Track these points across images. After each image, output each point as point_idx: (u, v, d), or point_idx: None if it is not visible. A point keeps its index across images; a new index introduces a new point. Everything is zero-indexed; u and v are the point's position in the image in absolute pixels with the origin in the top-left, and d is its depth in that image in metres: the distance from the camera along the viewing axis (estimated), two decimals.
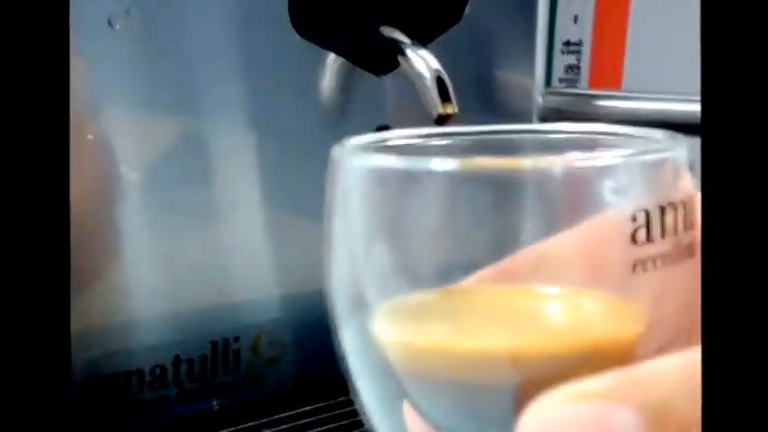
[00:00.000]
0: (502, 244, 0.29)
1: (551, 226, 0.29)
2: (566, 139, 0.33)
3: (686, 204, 0.30)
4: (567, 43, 0.74)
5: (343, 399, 0.59)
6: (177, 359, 0.57)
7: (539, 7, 0.65)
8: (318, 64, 0.58)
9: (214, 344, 0.58)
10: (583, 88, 0.76)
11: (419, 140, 0.33)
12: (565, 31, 0.73)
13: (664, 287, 0.29)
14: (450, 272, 0.29)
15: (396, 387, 0.30)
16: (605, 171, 0.29)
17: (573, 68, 0.75)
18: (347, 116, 0.59)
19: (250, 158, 0.58)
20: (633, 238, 0.29)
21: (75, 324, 0.34)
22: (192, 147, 0.56)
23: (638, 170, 0.29)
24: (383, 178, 0.29)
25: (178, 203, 0.56)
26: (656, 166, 0.29)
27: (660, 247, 0.29)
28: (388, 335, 0.29)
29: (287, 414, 0.58)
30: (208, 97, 0.56)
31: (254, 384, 0.59)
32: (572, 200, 0.29)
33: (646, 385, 0.26)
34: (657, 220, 0.29)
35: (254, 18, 0.56)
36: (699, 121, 0.31)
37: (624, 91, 0.74)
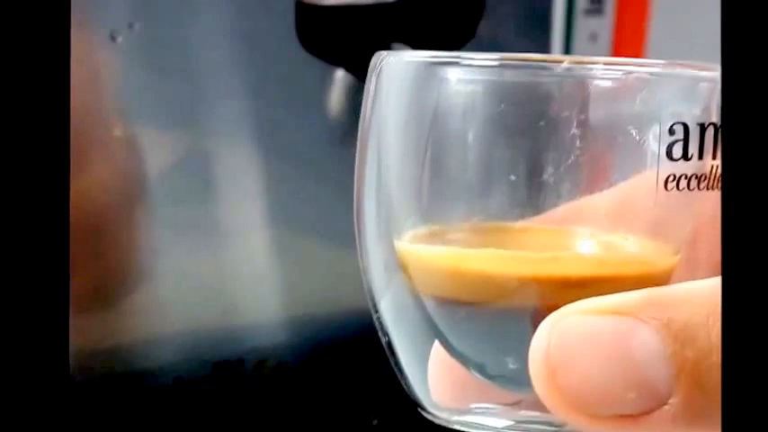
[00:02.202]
0: (537, 153, 0.28)
1: (587, 135, 0.28)
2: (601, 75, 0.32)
3: None
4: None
5: (349, 424, 0.59)
6: (179, 381, 0.56)
7: (554, 27, 0.65)
8: (326, 80, 0.58)
9: (217, 366, 0.57)
10: None
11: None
12: (581, 53, 0.73)
13: (699, 215, 0.29)
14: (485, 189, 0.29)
15: (423, 319, 0.30)
16: (644, 81, 0.28)
17: None
18: (355, 134, 0.58)
19: (255, 176, 0.57)
20: (669, 153, 0.28)
21: (75, 346, 0.34)
22: (195, 164, 0.55)
23: (678, 82, 0.29)
24: (425, 71, 0.29)
25: (180, 222, 0.55)
26: (698, 81, 0.29)
27: (696, 166, 0.28)
28: (414, 252, 0.29)
29: None
30: (212, 114, 0.55)
31: (259, 409, 0.59)
32: (611, 108, 0.28)
33: (670, 306, 0.26)
34: (696, 137, 0.28)
35: (261, 33, 0.56)
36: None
37: None
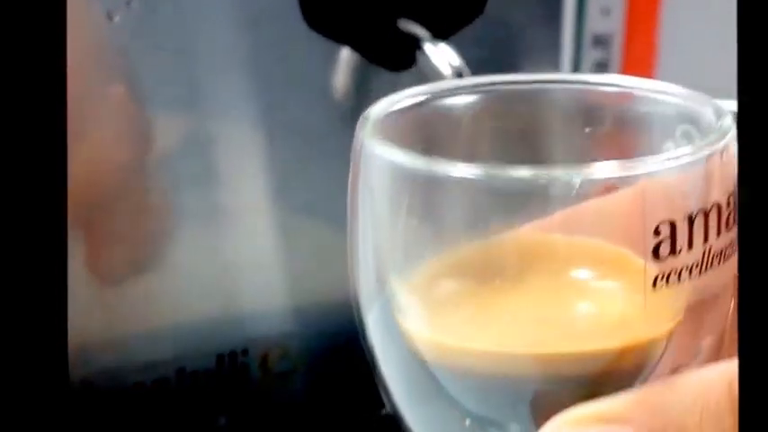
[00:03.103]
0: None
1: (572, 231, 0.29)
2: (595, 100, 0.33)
3: (731, 198, 0.29)
4: (597, 37, 0.73)
5: (356, 416, 0.59)
6: (182, 372, 0.56)
7: (565, 2, 0.64)
8: (331, 59, 0.57)
9: (221, 357, 0.57)
10: None
11: (445, 98, 0.33)
12: (594, 24, 0.73)
13: (695, 295, 0.28)
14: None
15: (423, 373, 0.30)
16: (628, 182, 0.28)
17: (602, 65, 0.74)
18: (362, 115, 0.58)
19: (258, 159, 0.56)
20: (656, 254, 0.28)
21: (75, 336, 0.34)
22: (195, 147, 0.55)
23: (662, 184, 0.28)
24: (406, 175, 0.29)
25: (181, 206, 0.55)
26: (689, 168, 0.28)
27: (686, 257, 0.28)
28: (414, 329, 0.30)
29: None
30: (213, 95, 0.55)
31: (263, 400, 0.58)
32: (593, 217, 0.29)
33: (661, 408, 0.26)
34: (684, 230, 0.28)
35: (263, 10, 0.55)
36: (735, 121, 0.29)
37: None
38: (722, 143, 0.29)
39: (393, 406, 0.32)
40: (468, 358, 0.29)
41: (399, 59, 0.57)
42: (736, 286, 0.28)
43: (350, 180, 0.31)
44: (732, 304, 0.29)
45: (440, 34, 0.56)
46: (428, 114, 0.33)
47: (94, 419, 0.54)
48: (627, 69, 0.75)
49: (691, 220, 0.28)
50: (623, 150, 0.33)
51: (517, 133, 0.33)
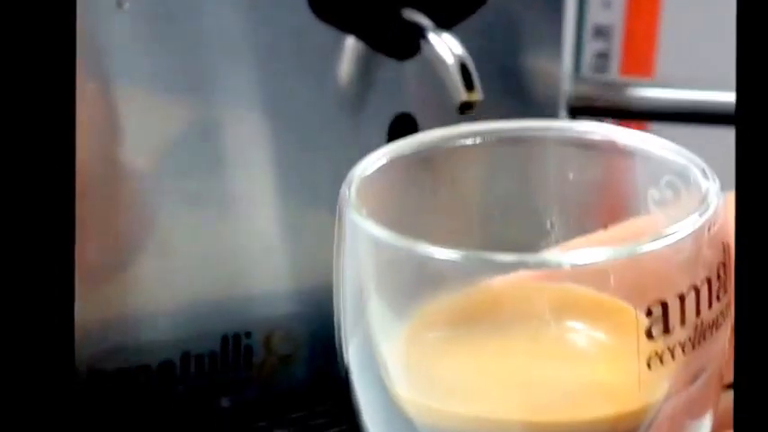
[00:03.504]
0: None
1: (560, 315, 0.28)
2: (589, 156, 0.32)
3: (721, 268, 0.28)
4: (597, 28, 0.73)
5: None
6: (186, 355, 0.56)
7: None
8: (337, 48, 0.57)
9: (225, 339, 0.57)
10: (613, 76, 0.75)
11: (436, 150, 0.32)
12: (595, 15, 0.73)
13: (689, 366, 0.28)
14: None
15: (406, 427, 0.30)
16: (616, 266, 0.27)
17: (603, 55, 0.74)
18: (366, 103, 0.58)
19: (264, 146, 0.56)
20: (649, 335, 0.27)
21: (80, 319, 0.34)
22: (203, 134, 0.55)
23: (652, 264, 0.28)
24: (386, 251, 0.29)
25: (188, 193, 0.55)
26: (678, 247, 0.28)
27: (680, 334, 0.28)
28: (398, 389, 0.29)
29: (300, 413, 0.58)
30: (221, 83, 0.55)
31: (267, 382, 0.58)
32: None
33: None
34: (677, 308, 0.27)
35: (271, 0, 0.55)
36: (733, 112, 0.28)
37: (656, 79, 0.74)
38: (709, 215, 0.28)
39: None
40: (454, 422, 0.29)
41: (404, 48, 0.57)
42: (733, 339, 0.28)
43: (335, 235, 0.31)
44: (726, 366, 0.29)
45: (443, 24, 0.56)
46: (413, 166, 0.32)
47: (99, 401, 0.54)
48: (627, 60, 0.74)
49: (682, 298, 0.28)
50: (608, 197, 0.32)
51: (505, 180, 0.33)
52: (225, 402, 0.57)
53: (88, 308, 0.52)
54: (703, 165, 0.30)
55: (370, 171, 0.31)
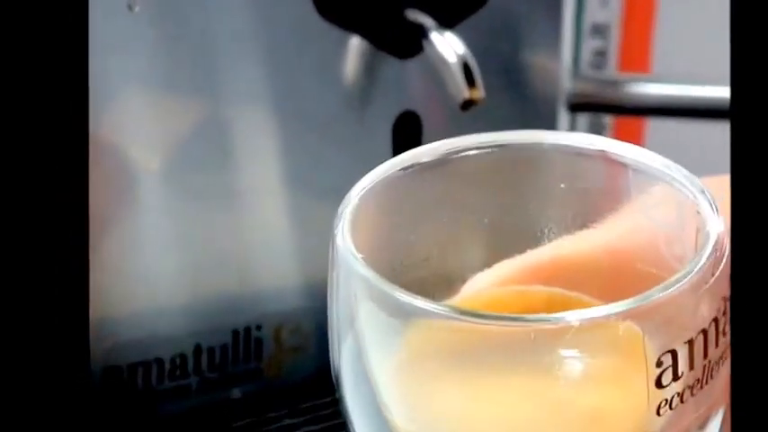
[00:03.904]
0: None
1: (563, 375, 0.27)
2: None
3: (726, 302, 0.27)
4: (595, 27, 0.74)
5: None
6: (198, 348, 0.57)
7: None
8: (341, 47, 0.57)
9: (235, 332, 0.57)
10: (611, 73, 0.75)
11: (425, 172, 0.32)
12: (593, 14, 0.73)
13: (698, 406, 0.28)
14: None
15: None
16: (622, 317, 0.26)
17: (600, 53, 0.74)
18: (371, 101, 0.58)
19: (271, 143, 0.57)
20: (659, 383, 0.26)
21: (94, 313, 0.34)
22: (212, 131, 0.55)
23: (660, 314, 0.27)
24: (379, 299, 0.28)
25: (198, 189, 0.55)
26: (684, 297, 0.27)
27: (688, 378, 0.27)
28: (399, 424, 0.29)
29: (309, 404, 0.58)
30: (229, 81, 0.55)
31: (277, 374, 0.59)
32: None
33: None
34: (685, 354, 0.27)
35: (278, 0, 0.55)
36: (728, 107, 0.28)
37: (653, 76, 0.74)
38: (711, 259, 0.27)
39: None
40: None
41: (406, 47, 0.58)
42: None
43: (329, 265, 0.30)
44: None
45: (445, 23, 0.57)
46: (409, 183, 0.32)
47: (114, 392, 0.55)
48: (624, 57, 0.74)
49: (691, 344, 0.27)
50: (605, 212, 0.32)
51: (503, 194, 0.32)
52: (236, 393, 0.58)
53: (102, 303, 0.53)
54: (708, 194, 0.29)
55: (366, 189, 0.31)
